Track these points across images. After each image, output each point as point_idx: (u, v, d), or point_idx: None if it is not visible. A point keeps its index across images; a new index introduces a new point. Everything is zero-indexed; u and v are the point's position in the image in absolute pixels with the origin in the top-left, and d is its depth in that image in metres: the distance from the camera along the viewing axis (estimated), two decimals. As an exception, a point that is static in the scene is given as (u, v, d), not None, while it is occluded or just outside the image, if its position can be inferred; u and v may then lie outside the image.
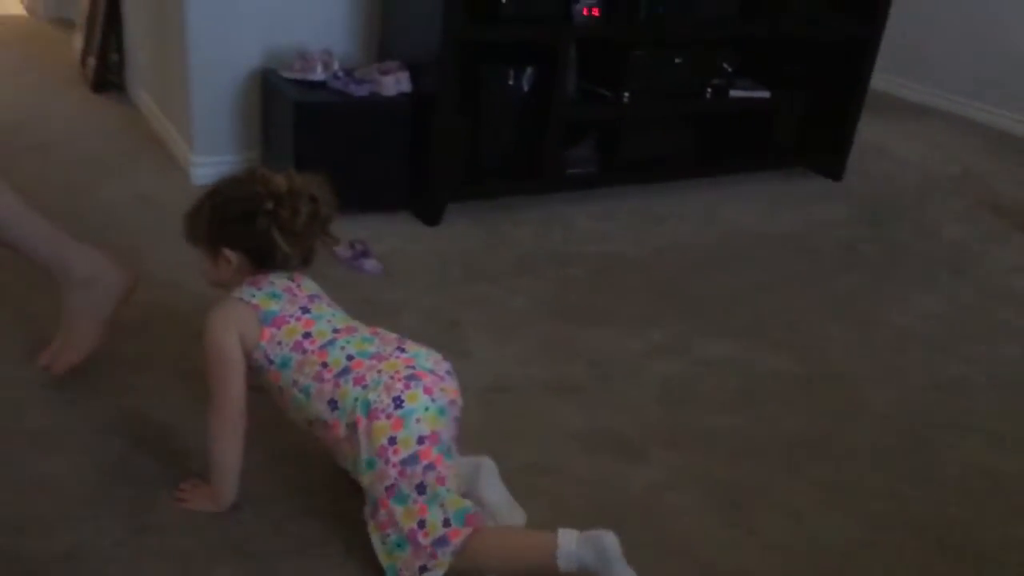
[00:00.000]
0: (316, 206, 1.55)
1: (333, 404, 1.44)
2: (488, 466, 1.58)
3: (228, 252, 1.57)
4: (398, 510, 1.38)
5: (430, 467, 1.39)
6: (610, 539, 1.33)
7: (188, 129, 2.87)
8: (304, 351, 1.48)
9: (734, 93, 3.29)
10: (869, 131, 3.78)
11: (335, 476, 1.60)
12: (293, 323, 1.52)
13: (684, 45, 3.09)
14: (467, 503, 1.41)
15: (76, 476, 1.61)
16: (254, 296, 1.54)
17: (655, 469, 1.80)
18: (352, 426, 1.42)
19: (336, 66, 2.72)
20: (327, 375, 1.45)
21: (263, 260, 1.57)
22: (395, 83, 2.67)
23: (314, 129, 2.58)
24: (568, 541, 1.34)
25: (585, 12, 2.82)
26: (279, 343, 1.50)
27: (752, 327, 2.39)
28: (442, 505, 1.38)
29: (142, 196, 2.74)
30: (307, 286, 1.63)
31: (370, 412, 1.40)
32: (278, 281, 1.58)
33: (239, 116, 2.85)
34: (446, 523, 1.37)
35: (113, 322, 1.85)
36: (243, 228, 1.54)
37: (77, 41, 3.95)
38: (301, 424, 1.54)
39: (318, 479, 1.65)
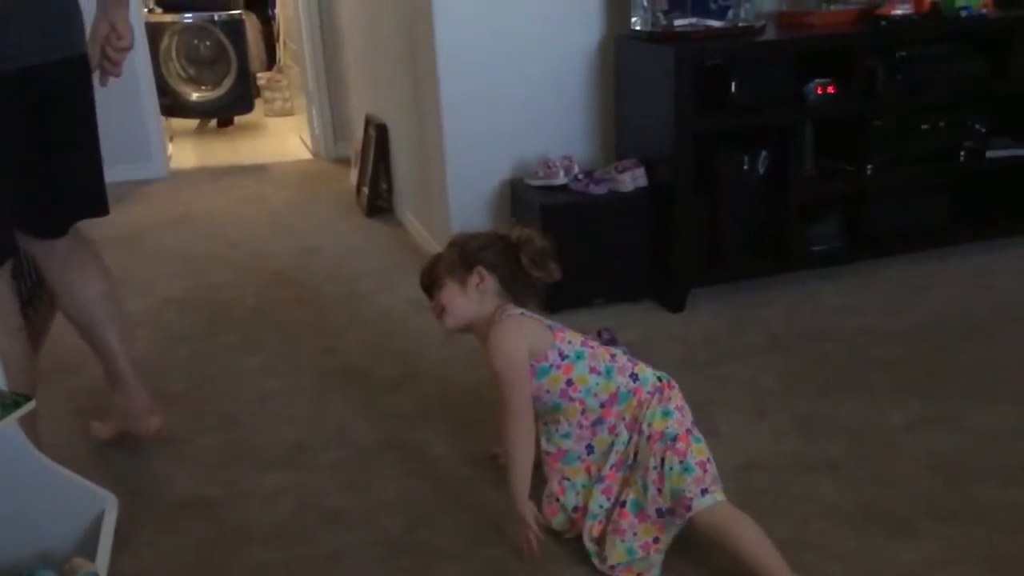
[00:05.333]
0: (544, 240, 1.83)
1: (634, 376, 1.77)
2: None
3: (484, 271, 1.80)
4: (694, 446, 1.69)
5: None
6: None
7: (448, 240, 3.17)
8: (591, 347, 1.80)
9: (991, 153, 3.12)
10: None
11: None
12: (569, 331, 1.81)
13: (930, 110, 2.99)
14: None
15: (365, 549, 1.80)
16: (527, 312, 1.81)
17: (929, 543, 1.70)
18: (658, 390, 1.76)
19: (576, 169, 2.92)
20: (621, 360, 1.79)
21: (511, 282, 1.81)
22: (632, 179, 2.82)
23: (559, 229, 2.74)
24: None
25: (819, 91, 2.84)
26: (570, 342, 1.78)
27: (1034, 396, 2.21)
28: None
29: (412, 302, 3.04)
30: None
31: (670, 383, 1.80)
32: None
33: (493, 224, 3.11)
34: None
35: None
36: (494, 250, 1.83)
37: (352, 175, 4.52)
38: (572, 417, 1.77)
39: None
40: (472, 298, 1.82)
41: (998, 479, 1.89)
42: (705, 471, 1.65)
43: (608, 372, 1.76)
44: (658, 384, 1.78)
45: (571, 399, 1.76)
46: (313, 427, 2.28)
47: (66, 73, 1.81)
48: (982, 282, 2.94)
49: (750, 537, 1.60)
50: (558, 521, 1.79)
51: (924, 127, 2.99)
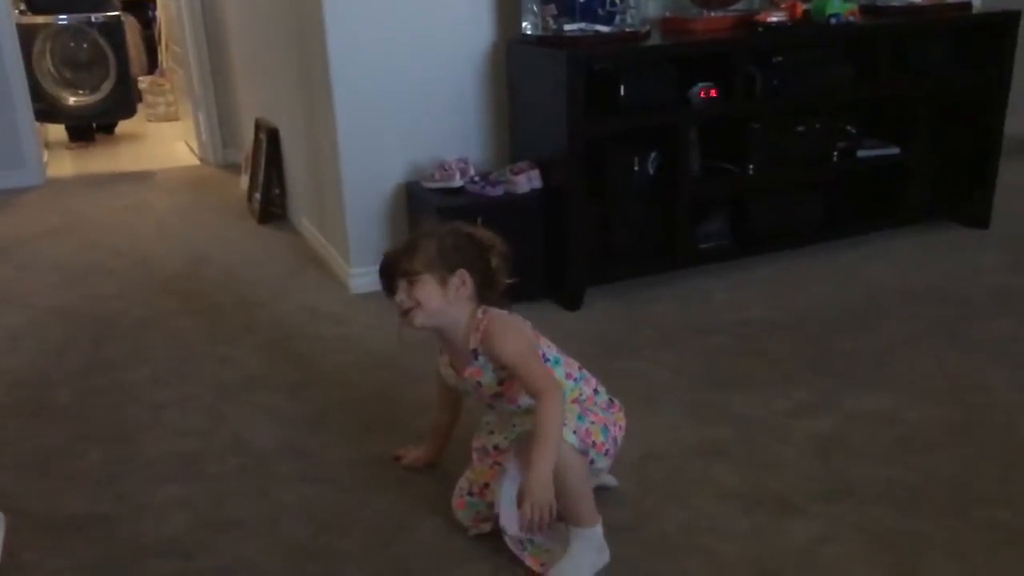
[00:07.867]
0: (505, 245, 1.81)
1: (597, 391, 1.82)
2: None
3: (464, 273, 1.74)
4: (597, 430, 1.72)
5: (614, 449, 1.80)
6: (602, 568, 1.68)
7: (345, 246, 3.15)
8: (564, 355, 1.82)
9: (862, 153, 3.31)
10: (1012, 175, 3.68)
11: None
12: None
13: (805, 113, 3.15)
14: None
15: (268, 558, 1.78)
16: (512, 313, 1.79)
17: (814, 522, 1.80)
18: (609, 402, 1.83)
19: (472, 172, 2.95)
20: (587, 372, 1.84)
21: (485, 286, 1.77)
22: (527, 181, 2.87)
23: (457, 231, 2.79)
24: (596, 538, 1.68)
25: (702, 95, 2.95)
26: (549, 346, 1.80)
27: (904, 380, 2.36)
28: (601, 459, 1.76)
29: (309, 308, 3.01)
30: None
31: (620, 408, 1.85)
32: None
33: (389, 228, 3.11)
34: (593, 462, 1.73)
35: None
36: (473, 252, 1.76)
37: (243, 181, 4.42)
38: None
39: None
40: (450, 300, 1.74)
41: (874, 459, 2.01)
42: (587, 435, 1.68)
43: (578, 380, 1.78)
44: (608, 401, 1.82)
45: None
46: (208, 437, 2.23)
47: None
48: (856, 275, 3.11)
49: (576, 477, 1.64)
50: (465, 515, 1.81)
51: (800, 129, 3.15)
